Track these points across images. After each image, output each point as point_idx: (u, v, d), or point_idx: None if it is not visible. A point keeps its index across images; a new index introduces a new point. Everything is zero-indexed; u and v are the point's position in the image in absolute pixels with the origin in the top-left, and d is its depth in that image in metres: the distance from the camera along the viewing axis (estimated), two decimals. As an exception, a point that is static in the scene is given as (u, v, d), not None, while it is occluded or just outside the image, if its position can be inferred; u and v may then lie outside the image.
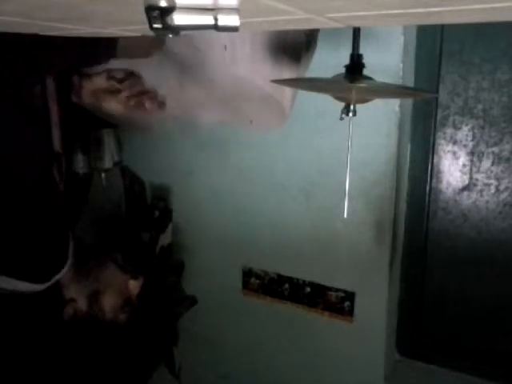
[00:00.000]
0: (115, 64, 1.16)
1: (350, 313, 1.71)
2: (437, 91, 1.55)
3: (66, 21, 0.52)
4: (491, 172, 1.55)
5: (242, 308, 1.92)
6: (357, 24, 0.69)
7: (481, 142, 1.55)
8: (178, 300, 1.91)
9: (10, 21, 0.49)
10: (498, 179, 1.55)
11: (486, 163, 1.55)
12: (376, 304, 1.67)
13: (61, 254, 1.12)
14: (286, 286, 1.81)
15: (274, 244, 1.78)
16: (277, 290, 1.83)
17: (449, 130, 1.59)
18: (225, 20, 0.34)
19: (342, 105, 0.94)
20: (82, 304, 1.24)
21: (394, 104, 1.47)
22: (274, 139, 1.67)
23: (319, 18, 0.46)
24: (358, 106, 0.92)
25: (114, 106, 1.20)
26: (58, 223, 1.13)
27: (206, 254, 1.93)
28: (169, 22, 0.34)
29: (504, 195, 1.55)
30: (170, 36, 0.36)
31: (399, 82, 1.44)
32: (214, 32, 0.36)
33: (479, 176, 1.57)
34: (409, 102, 1.56)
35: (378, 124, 1.50)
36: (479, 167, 1.57)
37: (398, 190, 1.59)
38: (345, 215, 0.98)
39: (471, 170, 1.58)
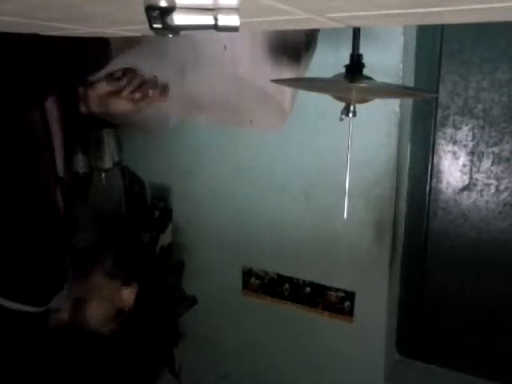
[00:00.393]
0: (113, 66, 1.16)
1: (349, 313, 1.71)
2: (437, 91, 1.55)
3: (66, 21, 0.52)
4: (491, 172, 1.55)
5: (242, 308, 1.92)
6: (357, 24, 0.69)
7: (481, 141, 1.55)
8: (177, 300, 1.91)
9: (10, 21, 0.49)
10: (497, 179, 1.55)
11: (486, 163, 1.55)
12: (376, 304, 1.67)
13: (60, 273, 1.09)
14: (286, 285, 1.81)
15: (274, 244, 1.78)
16: (277, 290, 1.83)
17: (449, 130, 1.59)
18: (225, 20, 0.34)
19: (342, 105, 0.94)
20: (65, 314, 1.16)
21: (394, 104, 1.48)
22: (273, 139, 1.67)
23: (319, 18, 0.46)
24: (358, 106, 0.92)
25: (121, 105, 1.19)
26: (58, 247, 1.10)
27: (206, 254, 1.93)
28: (169, 21, 0.34)
29: (504, 195, 1.55)
30: (170, 36, 0.36)
31: (399, 81, 1.44)
32: (214, 32, 0.36)
33: (479, 176, 1.57)
34: (409, 102, 1.56)
35: (378, 124, 1.50)
36: (479, 167, 1.57)
37: (398, 189, 1.59)
38: (345, 215, 0.98)
39: (471, 170, 1.58)
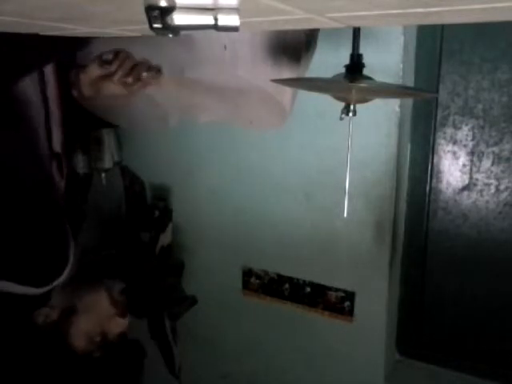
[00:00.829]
0: (105, 48, 1.14)
1: (349, 313, 1.71)
2: (437, 91, 1.55)
3: (66, 21, 0.52)
4: (491, 172, 1.55)
5: (241, 308, 1.92)
6: (357, 24, 0.69)
7: (481, 141, 1.55)
8: (177, 300, 1.91)
9: (10, 21, 0.49)
10: (497, 179, 1.55)
11: (486, 163, 1.55)
12: (376, 304, 1.67)
13: (61, 258, 1.09)
14: (286, 285, 1.81)
15: (274, 244, 1.78)
16: (277, 289, 1.83)
17: (449, 130, 1.59)
18: (225, 20, 0.34)
19: (341, 105, 0.94)
20: (54, 313, 1.15)
21: (394, 104, 1.48)
22: (273, 139, 1.67)
23: (319, 18, 0.46)
24: (358, 106, 0.92)
25: (113, 89, 1.17)
26: (59, 225, 1.11)
27: (206, 254, 1.93)
28: (169, 21, 0.34)
29: (504, 195, 1.55)
30: (170, 36, 0.36)
31: (399, 81, 1.44)
32: (213, 32, 0.36)
33: (479, 176, 1.57)
34: (409, 102, 1.56)
35: (378, 124, 1.50)
36: (479, 167, 1.57)
37: (398, 189, 1.59)
38: (345, 215, 0.98)
39: (471, 169, 1.58)
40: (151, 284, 1.80)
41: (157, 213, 1.86)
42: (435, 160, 1.63)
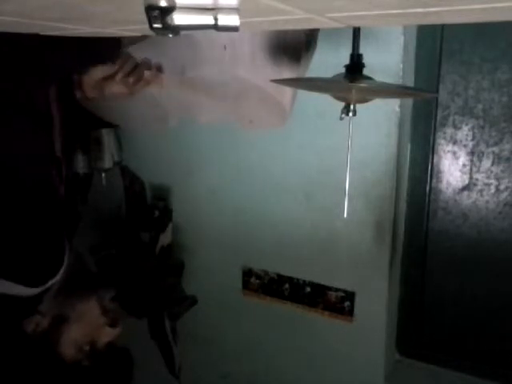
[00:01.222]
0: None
1: (349, 313, 1.71)
2: (437, 91, 1.55)
3: (66, 21, 0.52)
4: (491, 172, 1.55)
5: (242, 308, 1.92)
6: (357, 24, 0.69)
7: (481, 141, 1.55)
8: (177, 300, 1.91)
9: (11, 21, 0.49)
10: (497, 179, 1.55)
11: (486, 163, 1.55)
12: (376, 304, 1.67)
13: (56, 259, 1.09)
14: (286, 285, 1.81)
15: (274, 244, 1.78)
16: (277, 289, 1.83)
17: (449, 130, 1.59)
18: (225, 20, 0.34)
19: (341, 105, 0.94)
20: (44, 322, 1.14)
21: (394, 104, 1.48)
22: (273, 139, 1.67)
23: (319, 18, 0.46)
24: (358, 106, 0.93)
25: (116, 89, 1.18)
26: (55, 227, 1.11)
27: (206, 254, 1.93)
28: (169, 21, 0.34)
29: (504, 195, 1.55)
30: (170, 36, 0.36)
31: (399, 81, 1.44)
32: (213, 32, 0.36)
33: (479, 176, 1.57)
34: (409, 102, 1.56)
35: (378, 124, 1.50)
36: (479, 167, 1.57)
37: (398, 189, 1.59)
38: (345, 215, 0.98)
39: (471, 169, 1.58)
40: (151, 284, 1.80)
41: (157, 213, 1.86)
42: (435, 160, 1.63)
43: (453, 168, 1.61)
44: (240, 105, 1.41)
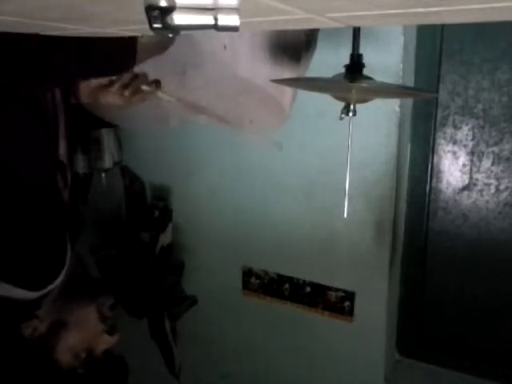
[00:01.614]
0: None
1: (350, 313, 1.71)
2: (437, 91, 1.55)
3: (66, 21, 0.52)
4: (491, 172, 1.55)
5: (242, 308, 1.92)
6: (357, 24, 0.69)
7: (481, 141, 1.55)
8: (177, 300, 1.91)
9: (11, 21, 0.49)
10: (497, 179, 1.55)
11: (486, 163, 1.56)
12: (376, 304, 1.67)
13: (58, 262, 1.09)
14: (286, 285, 1.81)
15: (274, 244, 1.78)
16: (277, 289, 1.83)
17: (449, 130, 1.59)
18: (225, 20, 0.34)
19: (341, 104, 0.94)
20: (42, 326, 1.13)
21: (394, 104, 1.48)
22: (274, 139, 1.67)
23: (319, 18, 0.46)
24: (358, 106, 0.92)
25: (111, 99, 1.18)
26: (58, 231, 1.10)
27: (206, 254, 1.93)
28: (169, 21, 0.34)
29: (504, 195, 1.55)
30: (170, 36, 0.36)
31: (399, 81, 1.44)
32: (213, 32, 0.36)
33: (479, 176, 1.57)
34: (409, 102, 1.56)
35: (378, 124, 1.50)
36: (479, 167, 1.57)
37: (398, 189, 1.59)
38: (345, 215, 0.98)
39: (471, 169, 1.58)
40: (151, 284, 1.80)
41: (157, 213, 1.87)
42: (435, 160, 1.64)
43: (453, 168, 1.61)
44: (240, 105, 1.41)
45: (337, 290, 1.71)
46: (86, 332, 1.18)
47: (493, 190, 1.56)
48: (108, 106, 1.21)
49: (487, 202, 1.58)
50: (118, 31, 0.63)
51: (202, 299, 1.94)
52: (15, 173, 0.97)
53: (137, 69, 1.21)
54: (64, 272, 1.09)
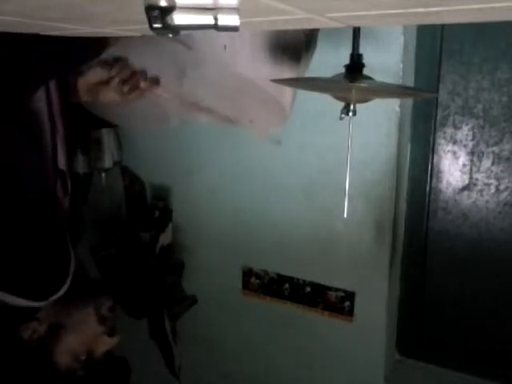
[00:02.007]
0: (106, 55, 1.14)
1: (349, 313, 1.71)
2: (437, 91, 1.55)
3: (66, 21, 0.52)
4: (491, 172, 1.55)
5: (242, 308, 1.92)
6: (357, 24, 0.69)
7: (481, 141, 1.55)
8: (177, 300, 1.91)
9: (11, 21, 0.49)
10: (497, 179, 1.55)
11: (486, 163, 1.56)
12: (376, 304, 1.67)
13: (61, 273, 1.09)
14: (286, 285, 1.81)
15: (274, 244, 1.78)
16: (277, 289, 1.83)
17: (449, 130, 1.59)
18: (225, 20, 0.34)
19: (341, 104, 0.94)
20: (41, 329, 1.14)
21: (393, 104, 1.48)
22: (273, 139, 1.67)
23: (319, 18, 0.46)
24: (358, 106, 0.93)
25: (110, 96, 1.18)
26: (61, 242, 1.10)
27: (206, 254, 1.93)
28: (169, 21, 0.34)
29: (504, 195, 1.55)
30: (170, 36, 0.36)
31: (399, 81, 1.44)
32: (213, 31, 0.36)
33: (479, 176, 1.57)
34: (409, 102, 1.56)
35: (378, 124, 1.50)
36: (479, 167, 1.57)
37: (398, 189, 1.59)
38: (345, 215, 0.98)
39: (471, 169, 1.58)
40: (151, 284, 1.80)
41: (157, 213, 1.87)
42: (435, 160, 1.64)
43: (453, 168, 1.61)
44: (240, 105, 1.41)
45: (337, 289, 1.71)
46: (85, 334, 1.18)
47: (493, 189, 1.56)
48: (106, 102, 1.21)
49: (487, 201, 1.58)
50: (117, 31, 0.63)
51: (202, 299, 1.94)
52: (14, 185, 0.97)
53: (136, 66, 1.21)
54: (67, 284, 1.09)
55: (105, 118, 1.72)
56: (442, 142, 1.61)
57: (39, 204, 1.03)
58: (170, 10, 0.33)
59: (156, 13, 0.33)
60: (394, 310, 1.76)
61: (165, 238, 1.87)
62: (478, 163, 1.57)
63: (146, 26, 0.34)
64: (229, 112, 1.46)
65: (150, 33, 0.36)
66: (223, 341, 2.01)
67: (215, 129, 1.71)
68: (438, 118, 1.60)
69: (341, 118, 0.93)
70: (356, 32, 0.93)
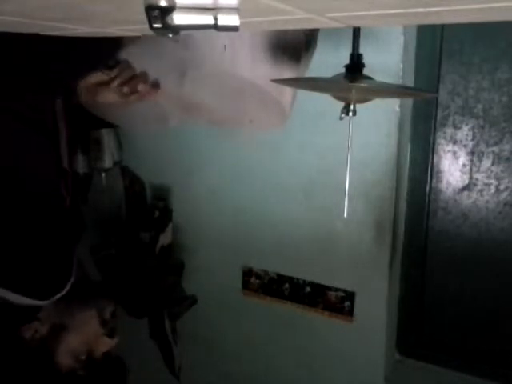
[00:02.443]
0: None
1: (349, 313, 1.71)
2: (437, 91, 1.55)
3: (66, 21, 0.52)
4: (491, 172, 1.55)
5: (242, 308, 1.92)
6: (357, 24, 0.69)
7: (481, 141, 1.55)
8: (177, 300, 1.91)
9: (11, 21, 0.49)
10: (497, 179, 1.55)
11: (486, 163, 1.56)
12: (376, 304, 1.67)
13: (65, 272, 1.10)
14: (286, 285, 1.81)
15: (274, 244, 1.78)
16: (277, 289, 1.83)
17: (449, 130, 1.59)
18: (225, 20, 0.34)
19: (341, 105, 0.94)
20: (43, 329, 1.14)
21: (394, 104, 1.48)
22: (274, 139, 1.67)
23: (319, 18, 0.46)
24: (358, 106, 0.92)
25: (109, 97, 1.18)
26: (64, 241, 1.11)
27: (206, 254, 1.93)
28: (169, 21, 0.34)
29: (504, 195, 1.55)
30: (170, 36, 0.36)
31: (399, 81, 1.44)
32: (213, 32, 0.36)
33: (479, 176, 1.57)
34: (409, 102, 1.56)
35: (378, 124, 1.50)
36: (479, 167, 1.57)
37: (398, 189, 1.59)
38: (345, 215, 0.98)
39: (471, 169, 1.58)
40: (151, 284, 1.80)
41: (157, 213, 1.87)
42: (435, 160, 1.64)
43: (453, 168, 1.61)
44: (240, 105, 1.41)
45: (337, 289, 1.71)
46: (86, 335, 1.19)
47: (493, 189, 1.56)
48: (106, 103, 1.21)
49: (487, 201, 1.58)
50: (117, 31, 0.63)
51: (202, 299, 1.94)
52: (19, 185, 0.97)
53: (137, 68, 1.21)
54: (70, 282, 1.10)
55: (105, 119, 1.72)
56: (442, 141, 1.61)
57: (45, 203, 1.03)
58: (169, 10, 0.33)
59: (156, 13, 0.33)
60: (394, 310, 1.76)
61: (165, 238, 1.87)
62: (478, 163, 1.57)
63: (146, 25, 0.34)
64: (229, 112, 1.46)
65: (150, 33, 0.36)
66: (223, 341, 2.01)
67: (215, 129, 1.71)
68: (438, 118, 1.60)
69: (341, 118, 0.92)
70: (356, 32, 0.93)
